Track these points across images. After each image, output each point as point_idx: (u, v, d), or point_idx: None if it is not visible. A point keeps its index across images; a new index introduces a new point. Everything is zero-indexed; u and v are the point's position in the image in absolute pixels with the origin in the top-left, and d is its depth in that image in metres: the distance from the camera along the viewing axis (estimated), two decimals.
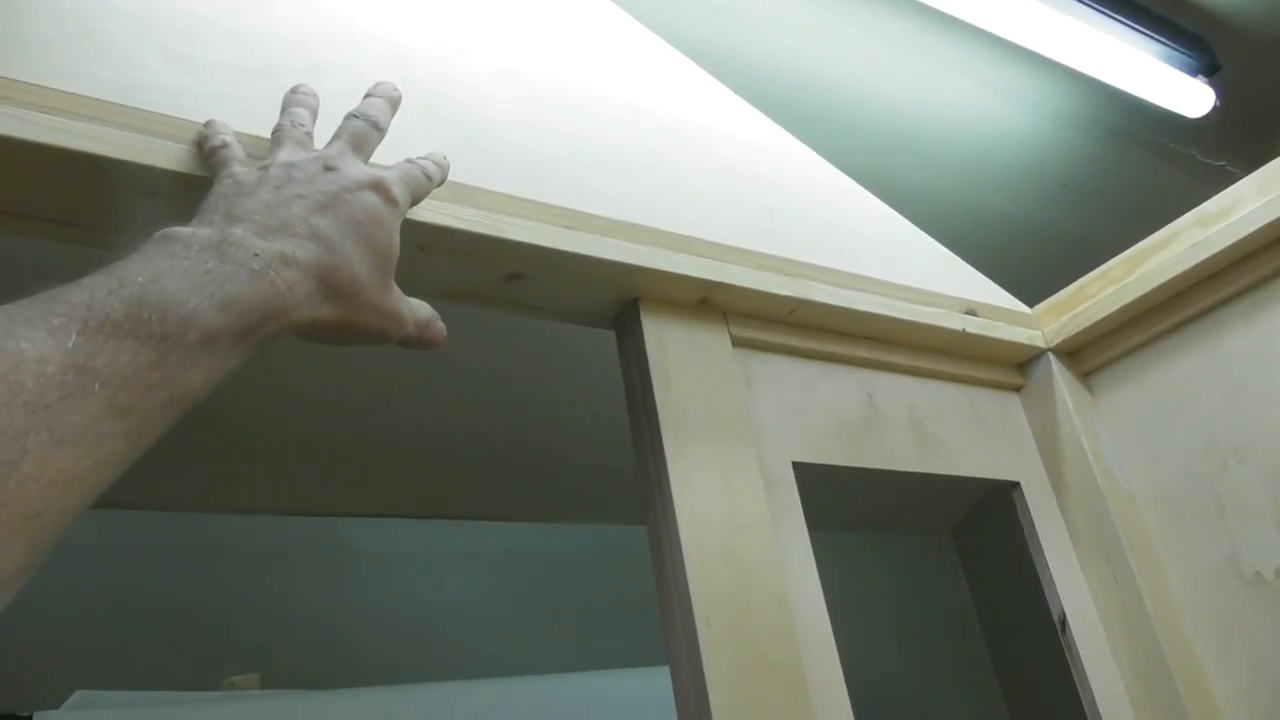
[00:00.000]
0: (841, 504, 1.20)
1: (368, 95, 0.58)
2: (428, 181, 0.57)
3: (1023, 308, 0.98)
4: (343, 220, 0.47)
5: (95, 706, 0.97)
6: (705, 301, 0.75)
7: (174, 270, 0.38)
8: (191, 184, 0.52)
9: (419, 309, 0.55)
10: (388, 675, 1.23)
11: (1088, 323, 0.90)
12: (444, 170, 0.59)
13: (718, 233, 0.78)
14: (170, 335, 0.35)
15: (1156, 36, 1.47)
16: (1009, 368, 0.96)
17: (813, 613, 0.68)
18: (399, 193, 0.52)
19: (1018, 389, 0.96)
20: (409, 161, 0.57)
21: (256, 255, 0.41)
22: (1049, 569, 0.86)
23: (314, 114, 0.57)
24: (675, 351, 0.72)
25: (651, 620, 0.66)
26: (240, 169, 0.50)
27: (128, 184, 0.52)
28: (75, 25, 0.56)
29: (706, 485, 0.67)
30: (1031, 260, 1.40)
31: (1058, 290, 0.95)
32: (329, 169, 0.50)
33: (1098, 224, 1.83)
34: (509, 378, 1.12)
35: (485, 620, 1.38)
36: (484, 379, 1.11)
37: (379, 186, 0.50)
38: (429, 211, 0.60)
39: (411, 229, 0.59)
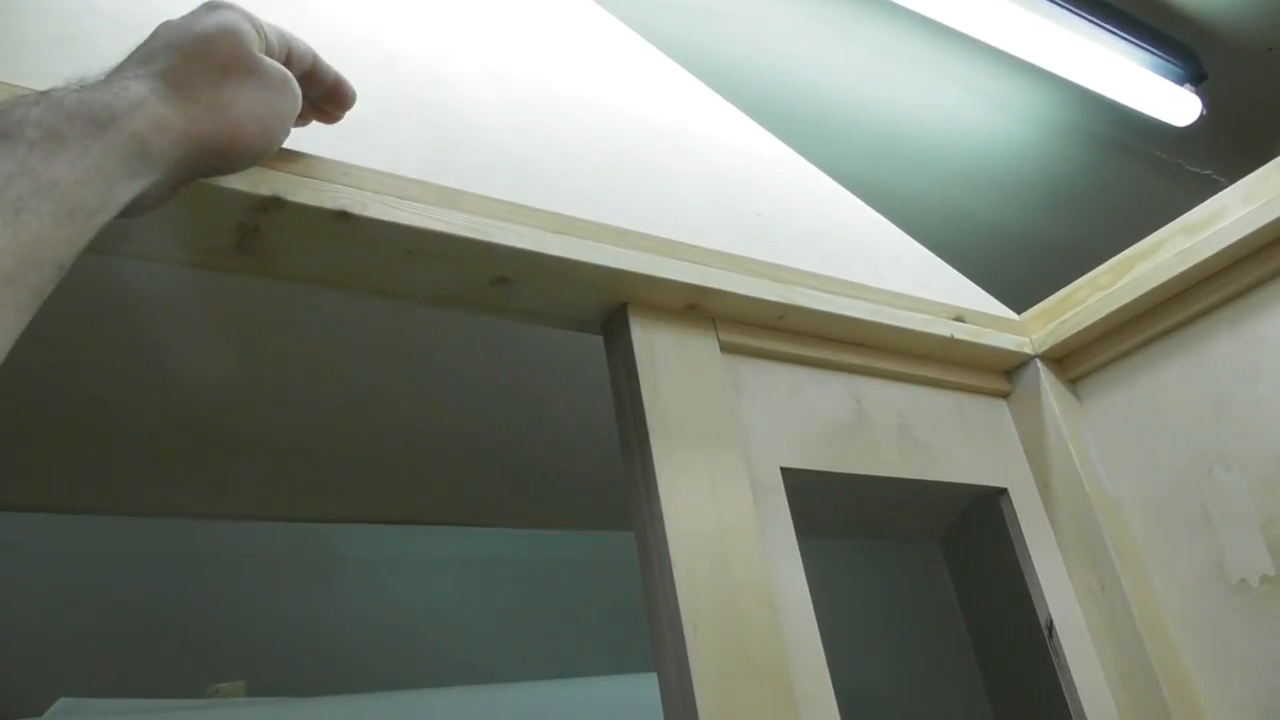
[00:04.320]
0: (830, 510, 1.20)
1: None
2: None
3: (1010, 314, 0.98)
4: (181, 36, 0.47)
5: (80, 714, 0.96)
6: (694, 307, 0.75)
7: None
8: None
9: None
10: (374, 682, 1.22)
11: (1075, 329, 0.90)
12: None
13: (706, 238, 0.77)
14: (9, 134, 0.36)
15: (1144, 45, 1.48)
16: (996, 374, 0.96)
17: (801, 619, 0.68)
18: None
19: (1005, 395, 0.96)
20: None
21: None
22: (1036, 575, 0.86)
23: None
24: (664, 357, 0.72)
25: (639, 627, 0.66)
26: None
27: None
28: (58, 27, 0.56)
29: (694, 491, 0.67)
30: (1019, 267, 1.41)
31: (1045, 297, 0.95)
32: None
33: (1085, 231, 1.84)
34: (496, 383, 1.12)
35: (472, 627, 1.38)
36: (471, 384, 1.11)
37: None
38: (415, 215, 0.60)
39: (398, 233, 0.59)
